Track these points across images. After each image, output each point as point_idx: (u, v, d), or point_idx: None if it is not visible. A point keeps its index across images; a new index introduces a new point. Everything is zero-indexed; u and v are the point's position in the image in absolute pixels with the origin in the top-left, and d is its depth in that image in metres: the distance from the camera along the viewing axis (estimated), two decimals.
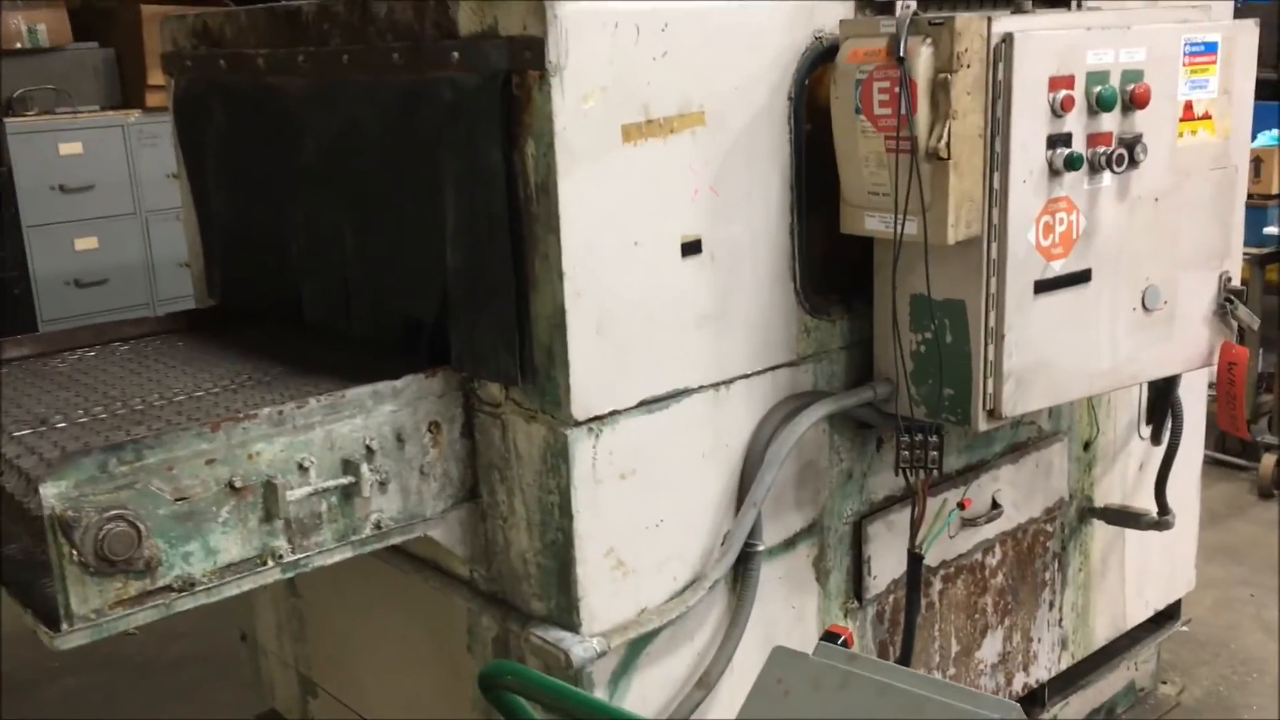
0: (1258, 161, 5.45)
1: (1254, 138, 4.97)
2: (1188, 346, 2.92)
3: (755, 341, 2.63)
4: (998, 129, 2.46)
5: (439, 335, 2.57)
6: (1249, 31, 2.84)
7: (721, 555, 2.60)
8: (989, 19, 2.43)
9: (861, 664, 1.87)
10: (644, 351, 2.43)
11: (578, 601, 2.43)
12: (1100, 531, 3.63)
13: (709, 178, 2.47)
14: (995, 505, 3.23)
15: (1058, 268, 2.60)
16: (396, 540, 2.50)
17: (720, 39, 2.45)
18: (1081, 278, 2.65)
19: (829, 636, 1.95)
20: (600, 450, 2.40)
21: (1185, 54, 2.70)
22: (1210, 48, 2.74)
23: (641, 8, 2.31)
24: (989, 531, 3.25)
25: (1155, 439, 3.55)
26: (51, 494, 2.00)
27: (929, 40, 2.39)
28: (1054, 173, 2.53)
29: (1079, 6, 2.91)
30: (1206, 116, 2.77)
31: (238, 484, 2.22)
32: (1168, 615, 4.04)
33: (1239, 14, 3.17)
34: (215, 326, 3.20)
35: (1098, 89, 2.54)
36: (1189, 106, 2.74)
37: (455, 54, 2.38)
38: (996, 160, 2.48)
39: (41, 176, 6.29)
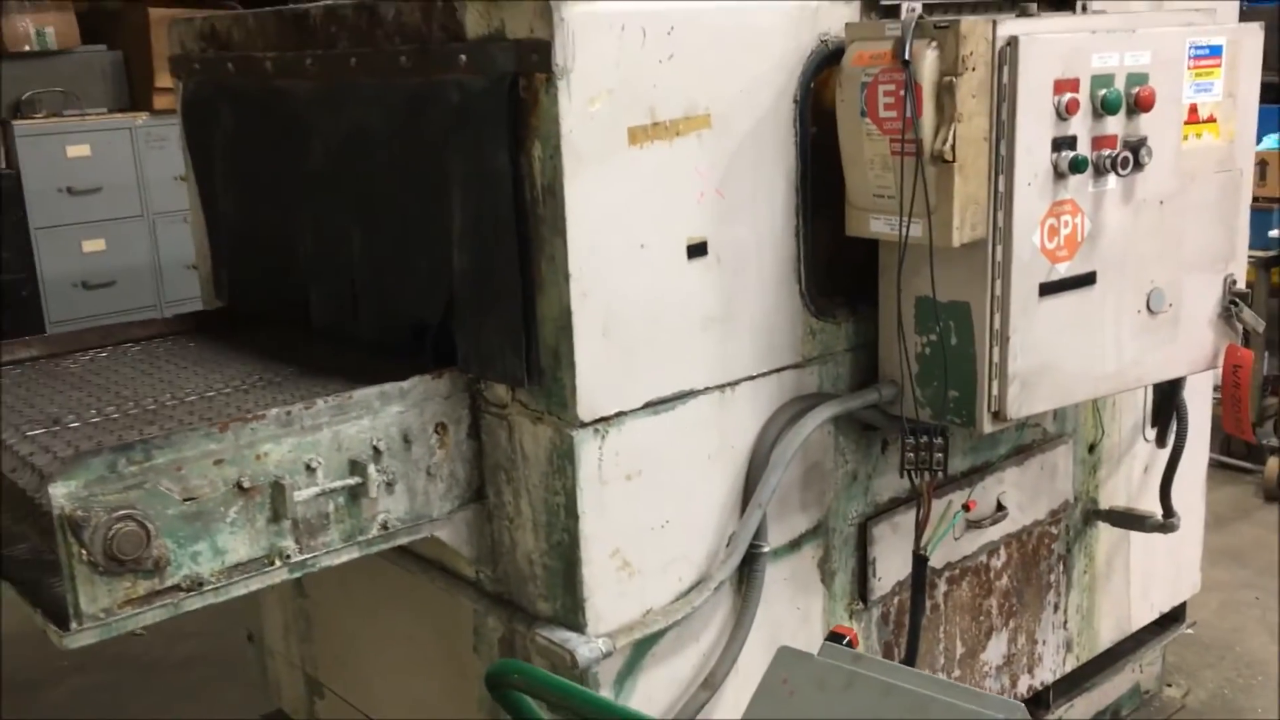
0: (1263, 165, 5.45)
1: (1259, 141, 4.96)
2: (1193, 349, 2.92)
3: (760, 343, 2.63)
4: (1003, 132, 2.46)
5: (446, 337, 2.58)
6: (1254, 35, 2.84)
7: (727, 556, 2.61)
8: (994, 22, 2.43)
9: (867, 664, 1.87)
10: (650, 353, 2.44)
11: (583, 602, 2.44)
12: (1105, 534, 3.62)
13: (715, 180, 2.48)
14: (1000, 507, 3.23)
15: (1062, 270, 2.61)
16: (403, 541, 2.50)
17: (726, 42, 2.45)
18: (1086, 280, 2.65)
19: (834, 637, 1.95)
20: (606, 451, 2.40)
21: (1190, 57, 2.70)
22: (1215, 51, 2.74)
23: (648, 10, 2.32)
24: (994, 534, 3.25)
25: (1160, 441, 3.56)
26: (61, 494, 2.01)
27: (934, 43, 2.40)
28: (1059, 175, 2.54)
29: (1084, 10, 2.92)
30: (1211, 120, 2.78)
31: (246, 484, 2.23)
32: (1173, 618, 4.03)
33: (1244, 17, 3.16)
34: (223, 329, 3.21)
35: (1103, 92, 2.54)
36: (1194, 110, 2.74)
37: (462, 57, 2.39)
38: (1001, 163, 2.48)
39: (49, 179, 6.29)
